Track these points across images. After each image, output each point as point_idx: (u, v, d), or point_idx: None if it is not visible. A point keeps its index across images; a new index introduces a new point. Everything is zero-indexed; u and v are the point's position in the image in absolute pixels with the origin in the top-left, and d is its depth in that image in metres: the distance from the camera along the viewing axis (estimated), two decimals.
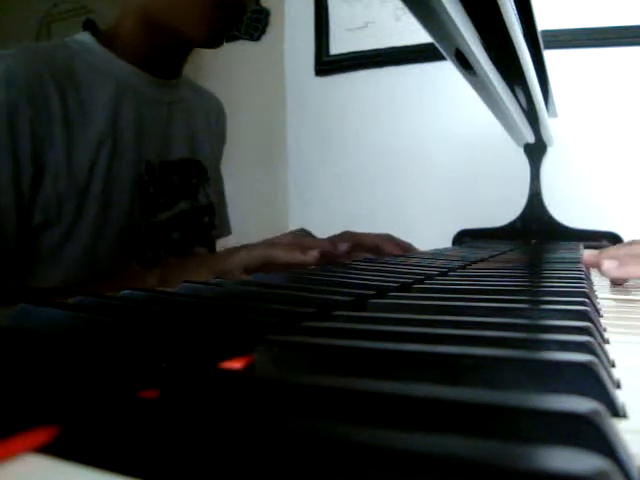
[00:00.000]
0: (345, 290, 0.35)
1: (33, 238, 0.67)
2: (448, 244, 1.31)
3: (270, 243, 0.65)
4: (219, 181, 0.95)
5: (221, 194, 0.95)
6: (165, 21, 0.71)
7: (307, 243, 0.61)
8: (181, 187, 0.80)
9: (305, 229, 0.76)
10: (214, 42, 0.73)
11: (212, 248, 0.89)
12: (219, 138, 0.95)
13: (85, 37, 0.73)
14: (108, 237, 0.70)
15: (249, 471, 0.11)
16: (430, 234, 1.10)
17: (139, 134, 0.74)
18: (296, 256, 0.57)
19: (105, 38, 0.74)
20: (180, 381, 0.16)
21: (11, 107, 0.62)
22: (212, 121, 0.92)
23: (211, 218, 0.86)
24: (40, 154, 0.65)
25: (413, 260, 0.63)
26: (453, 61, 0.67)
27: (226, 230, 0.96)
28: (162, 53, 0.76)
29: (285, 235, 0.72)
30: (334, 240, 0.74)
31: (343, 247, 0.63)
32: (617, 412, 0.17)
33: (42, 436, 0.13)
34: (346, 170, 1.71)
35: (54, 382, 0.16)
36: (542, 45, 0.85)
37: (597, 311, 0.36)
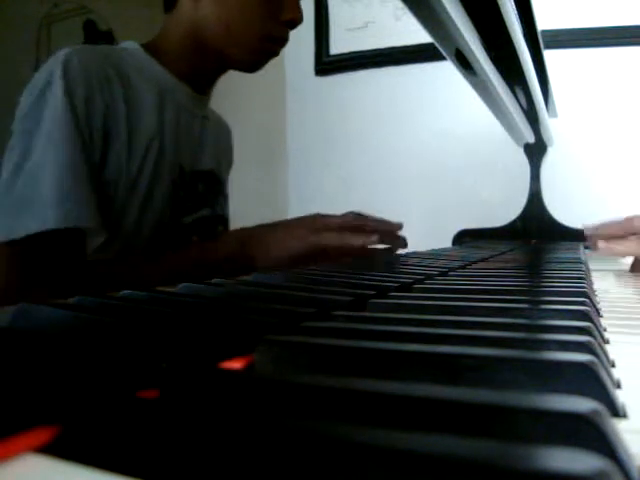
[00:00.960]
0: (345, 290, 0.35)
1: None
2: (448, 244, 1.31)
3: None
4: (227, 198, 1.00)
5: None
6: (215, 45, 0.76)
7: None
8: (205, 196, 0.85)
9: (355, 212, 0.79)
10: (255, 69, 0.80)
11: None
12: (229, 160, 0.99)
13: (131, 45, 0.78)
14: (145, 232, 0.74)
15: (249, 471, 0.11)
16: (430, 234, 1.10)
17: (177, 140, 0.78)
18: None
19: (150, 48, 0.78)
20: (180, 381, 0.16)
21: (88, 92, 0.66)
22: (223, 143, 0.96)
23: (225, 228, 0.91)
24: (108, 140, 0.69)
25: (413, 260, 0.63)
26: (453, 61, 0.67)
27: None
28: (202, 71, 0.81)
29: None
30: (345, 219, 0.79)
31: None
32: (617, 412, 0.17)
33: (42, 436, 0.13)
34: (346, 170, 1.71)
35: (54, 382, 0.16)
36: (542, 45, 0.85)
37: (597, 311, 0.36)
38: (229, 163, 1.00)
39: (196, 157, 0.83)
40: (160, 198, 0.75)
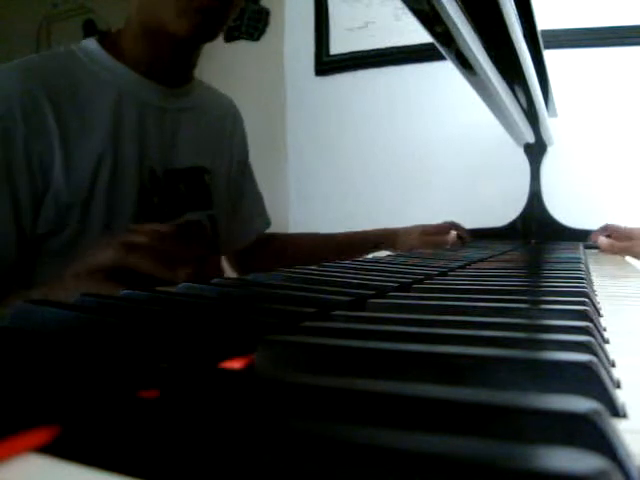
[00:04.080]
0: (345, 290, 0.35)
1: (39, 243, 0.67)
2: None
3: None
4: (251, 177, 0.97)
5: (255, 188, 0.98)
6: (153, 21, 0.71)
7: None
8: (188, 196, 0.79)
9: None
10: (203, 35, 0.71)
11: (217, 253, 0.89)
12: (239, 138, 0.94)
13: (90, 43, 0.73)
14: None
15: (249, 471, 0.11)
16: None
17: (141, 143, 0.73)
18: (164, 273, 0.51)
19: (110, 44, 0.73)
20: (180, 381, 0.16)
21: (3, 124, 0.63)
22: (228, 124, 0.91)
23: (214, 226, 0.85)
24: (38, 171, 0.65)
25: (413, 260, 0.63)
26: (453, 61, 0.67)
27: (266, 222, 1.00)
28: (164, 59, 0.75)
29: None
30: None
31: None
32: (617, 412, 0.17)
33: (42, 436, 0.13)
34: (346, 170, 1.71)
35: (54, 382, 0.16)
36: (542, 45, 0.85)
37: (597, 311, 0.36)
38: (241, 142, 0.94)
39: (170, 155, 0.78)
40: (126, 209, 0.71)
